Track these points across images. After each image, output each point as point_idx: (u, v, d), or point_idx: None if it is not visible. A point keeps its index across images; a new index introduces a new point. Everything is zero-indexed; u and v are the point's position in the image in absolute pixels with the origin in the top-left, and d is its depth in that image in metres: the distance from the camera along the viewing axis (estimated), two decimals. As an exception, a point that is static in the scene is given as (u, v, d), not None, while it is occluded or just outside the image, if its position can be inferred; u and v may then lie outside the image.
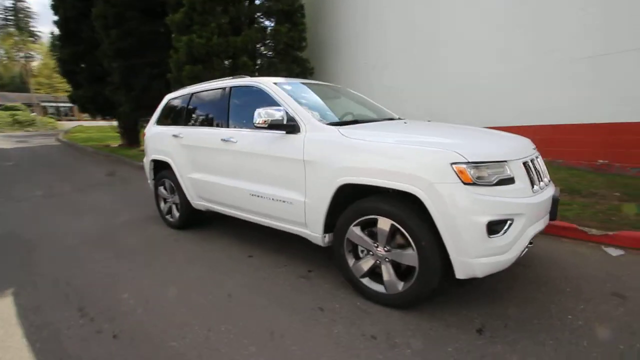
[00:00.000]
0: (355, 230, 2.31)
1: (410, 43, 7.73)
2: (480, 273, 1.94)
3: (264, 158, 2.79)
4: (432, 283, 2.04)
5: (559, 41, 5.32)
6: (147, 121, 4.41)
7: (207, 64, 8.15)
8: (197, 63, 8.10)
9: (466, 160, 1.90)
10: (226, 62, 8.53)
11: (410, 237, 2.04)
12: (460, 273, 1.96)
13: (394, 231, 2.14)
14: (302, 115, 2.61)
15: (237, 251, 3.30)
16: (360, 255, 2.38)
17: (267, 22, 9.25)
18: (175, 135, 3.73)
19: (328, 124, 2.55)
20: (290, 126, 2.59)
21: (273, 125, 2.56)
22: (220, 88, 3.40)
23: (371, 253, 2.28)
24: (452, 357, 1.78)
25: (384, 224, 2.14)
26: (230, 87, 3.26)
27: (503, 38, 5.97)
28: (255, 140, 2.89)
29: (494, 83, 6.15)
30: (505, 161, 2.01)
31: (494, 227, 1.90)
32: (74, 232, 4.08)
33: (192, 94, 3.77)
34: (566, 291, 2.39)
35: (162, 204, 4.22)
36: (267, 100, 2.88)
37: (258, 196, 2.88)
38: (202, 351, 1.91)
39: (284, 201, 2.70)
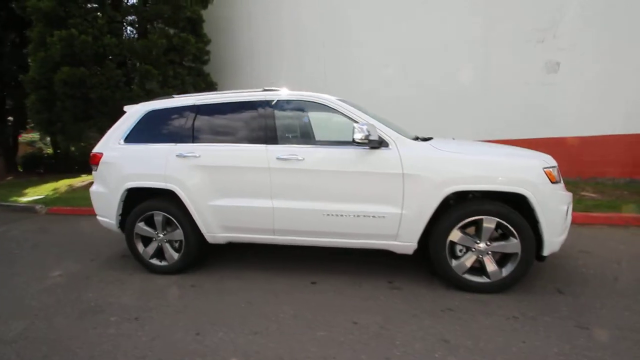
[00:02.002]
0: (459, 232, 2.62)
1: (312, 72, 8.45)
2: (557, 248, 2.60)
3: (347, 174, 2.72)
4: (530, 264, 2.58)
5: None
6: None
7: (94, 67, 6.45)
8: (80, 65, 6.30)
9: (550, 166, 2.56)
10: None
11: (515, 229, 2.52)
12: (547, 251, 2.57)
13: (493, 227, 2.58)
14: (387, 131, 2.73)
15: (294, 281, 2.97)
16: (459, 254, 2.69)
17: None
18: (182, 155, 3.01)
19: (412, 140, 2.77)
20: (379, 142, 2.67)
21: (371, 142, 2.58)
22: (254, 101, 3.02)
23: (472, 250, 2.64)
24: (573, 312, 2.34)
25: (490, 222, 2.55)
26: (277, 101, 2.97)
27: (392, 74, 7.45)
28: (330, 157, 2.77)
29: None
30: (556, 165, 2.79)
31: (567, 213, 2.62)
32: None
33: (199, 105, 3.15)
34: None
35: (140, 246, 3.24)
36: (340, 116, 2.84)
37: (337, 215, 2.76)
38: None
39: (373, 216, 2.71)
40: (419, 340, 2.11)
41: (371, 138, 2.59)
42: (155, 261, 3.23)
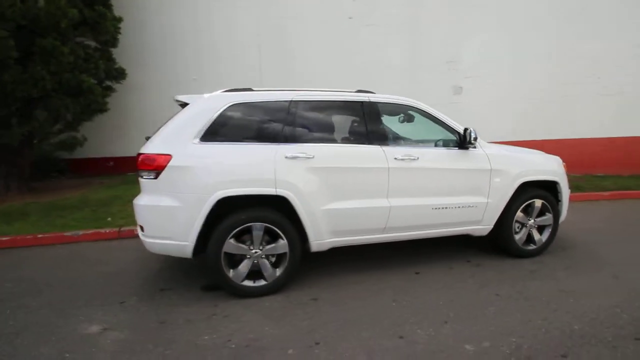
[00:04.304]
0: (521, 213, 3.42)
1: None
2: (564, 218, 3.75)
3: (452, 171, 3.12)
4: (557, 231, 3.62)
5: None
6: None
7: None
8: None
9: (563, 161, 3.68)
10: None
11: (551, 207, 3.50)
12: (560, 221, 3.68)
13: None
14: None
15: (401, 275, 3.12)
16: (517, 230, 3.49)
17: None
18: (292, 157, 2.68)
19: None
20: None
21: (474, 143, 3.08)
22: (357, 101, 3.00)
23: (525, 226, 3.48)
24: (596, 259, 3.47)
25: (539, 203, 3.45)
26: (382, 103, 3.05)
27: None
28: (437, 157, 3.12)
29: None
30: None
31: (567, 194, 3.82)
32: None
33: (298, 101, 2.85)
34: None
35: (227, 268, 2.66)
36: (429, 120, 3.19)
37: (443, 208, 3.10)
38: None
39: (470, 206, 3.20)
40: (548, 295, 2.73)
41: (475, 141, 3.09)
42: (248, 283, 2.71)
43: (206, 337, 2.22)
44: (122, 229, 4.46)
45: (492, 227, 3.36)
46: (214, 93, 2.82)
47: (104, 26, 5.94)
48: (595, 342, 2.13)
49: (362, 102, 3.02)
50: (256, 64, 8.19)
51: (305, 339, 2.20)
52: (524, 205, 3.41)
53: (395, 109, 3.22)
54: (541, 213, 3.53)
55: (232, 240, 2.63)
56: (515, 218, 3.39)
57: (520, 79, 7.90)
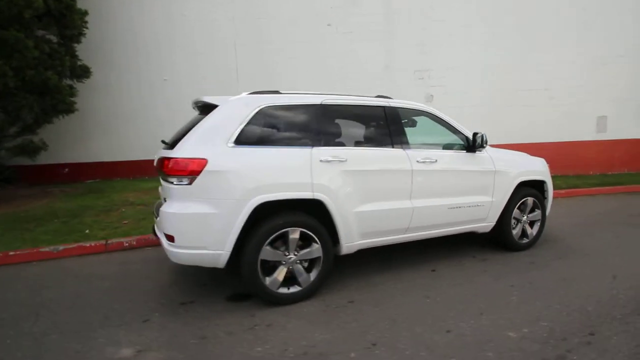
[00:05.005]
0: (517, 210, 3.74)
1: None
2: (549, 211, 4.18)
3: (465, 173, 3.34)
4: (544, 225, 4.01)
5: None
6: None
7: None
8: None
9: (546, 162, 4.11)
10: None
11: (540, 204, 3.89)
12: (546, 214, 4.11)
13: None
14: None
15: (418, 272, 3.26)
16: (514, 226, 3.81)
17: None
18: (327, 160, 2.68)
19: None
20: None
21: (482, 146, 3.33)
22: (380, 106, 3.08)
23: (520, 221, 3.82)
24: (579, 249, 3.91)
25: (530, 200, 3.81)
26: (402, 108, 3.16)
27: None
28: (451, 159, 3.31)
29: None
30: None
31: (547, 190, 4.26)
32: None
33: (326, 105, 2.85)
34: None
35: (262, 276, 2.57)
36: (439, 124, 3.40)
37: (457, 207, 3.31)
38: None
39: (478, 205, 3.44)
40: (553, 283, 3.04)
41: (486, 144, 3.35)
42: (283, 290, 2.65)
43: (259, 349, 2.14)
44: (109, 241, 4.07)
45: (494, 223, 3.64)
46: (241, 95, 2.73)
47: (70, 19, 5.39)
48: (610, 320, 2.43)
49: (384, 107, 3.11)
50: (233, 63, 7.96)
51: (360, 340, 2.21)
52: (520, 202, 3.75)
53: (411, 114, 3.38)
54: (532, 209, 3.90)
55: (268, 247, 2.56)
56: (513, 215, 3.72)
57: (483, 88, 8.62)
